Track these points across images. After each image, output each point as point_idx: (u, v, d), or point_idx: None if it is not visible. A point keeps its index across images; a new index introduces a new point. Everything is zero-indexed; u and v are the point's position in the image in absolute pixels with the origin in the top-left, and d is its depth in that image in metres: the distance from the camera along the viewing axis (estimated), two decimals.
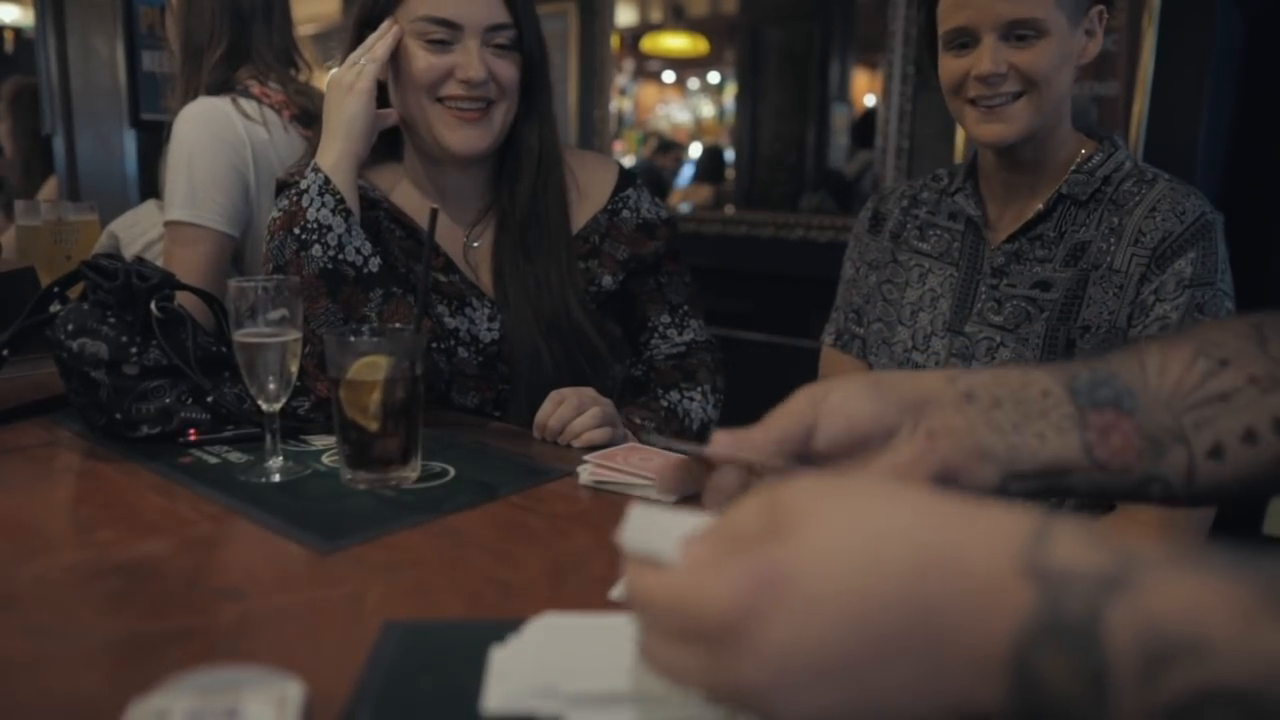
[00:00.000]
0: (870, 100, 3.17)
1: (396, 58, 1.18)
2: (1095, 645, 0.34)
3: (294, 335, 0.94)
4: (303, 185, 1.14)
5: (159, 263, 1.42)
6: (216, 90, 1.57)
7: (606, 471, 0.93)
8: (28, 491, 0.92)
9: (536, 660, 0.54)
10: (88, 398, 1.04)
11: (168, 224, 1.50)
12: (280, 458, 0.95)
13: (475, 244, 1.27)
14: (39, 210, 1.88)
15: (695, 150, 4.44)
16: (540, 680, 0.51)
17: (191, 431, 1.05)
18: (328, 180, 1.13)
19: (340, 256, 1.12)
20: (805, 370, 1.50)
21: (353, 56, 1.18)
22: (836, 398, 0.55)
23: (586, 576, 0.73)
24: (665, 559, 0.42)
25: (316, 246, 1.12)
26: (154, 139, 2.50)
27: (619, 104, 3.74)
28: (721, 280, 3.00)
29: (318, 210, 1.12)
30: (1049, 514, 0.38)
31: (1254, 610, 0.32)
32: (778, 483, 0.43)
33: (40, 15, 3.23)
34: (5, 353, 1.10)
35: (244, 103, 1.55)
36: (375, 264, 1.15)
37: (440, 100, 1.17)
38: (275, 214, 1.18)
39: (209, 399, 1.05)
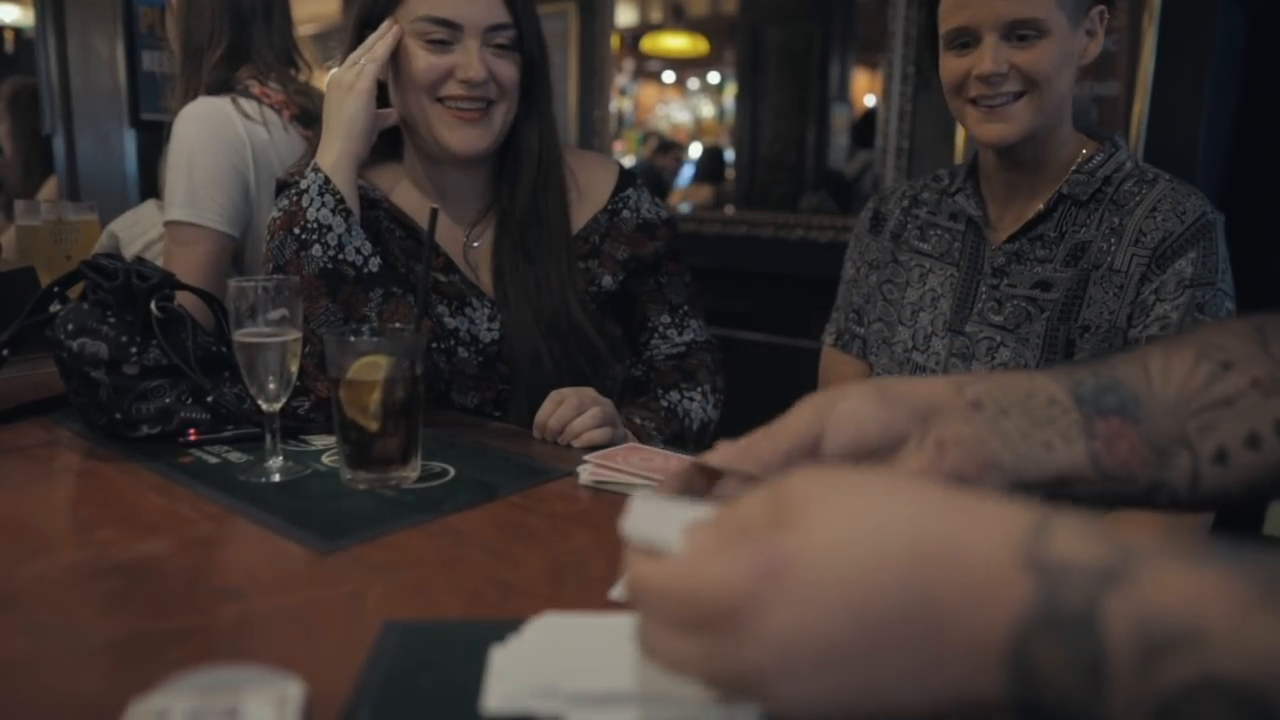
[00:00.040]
0: (870, 100, 3.17)
1: (396, 58, 1.18)
2: (1093, 637, 0.34)
3: (294, 335, 0.94)
4: (303, 185, 1.14)
5: (159, 263, 1.42)
6: (216, 90, 1.57)
7: (606, 471, 0.93)
8: (28, 491, 0.92)
9: (536, 660, 0.54)
10: (88, 398, 1.04)
11: (168, 224, 1.50)
12: (280, 458, 0.95)
13: (475, 244, 1.27)
14: (39, 210, 1.88)
15: (695, 150, 4.44)
16: (540, 680, 0.51)
17: (191, 431, 1.05)
18: (328, 180, 1.13)
19: (340, 256, 1.12)
20: (805, 370, 1.51)
21: (353, 56, 1.18)
22: (844, 407, 0.55)
23: (586, 576, 0.73)
24: (668, 548, 0.42)
25: (316, 246, 1.12)
26: (154, 139, 2.50)
27: (619, 104, 3.74)
28: (721, 280, 3.00)
29: (318, 210, 1.12)
30: (1049, 508, 0.38)
31: (1250, 603, 0.32)
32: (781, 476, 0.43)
33: (40, 15, 3.24)
34: (5, 353, 1.10)
35: (244, 103, 1.55)
36: (375, 264, 1.15)
37: (440, 100, 1.17)
38: (275, 214, 1.18)
39: (209, 399, 1.05)
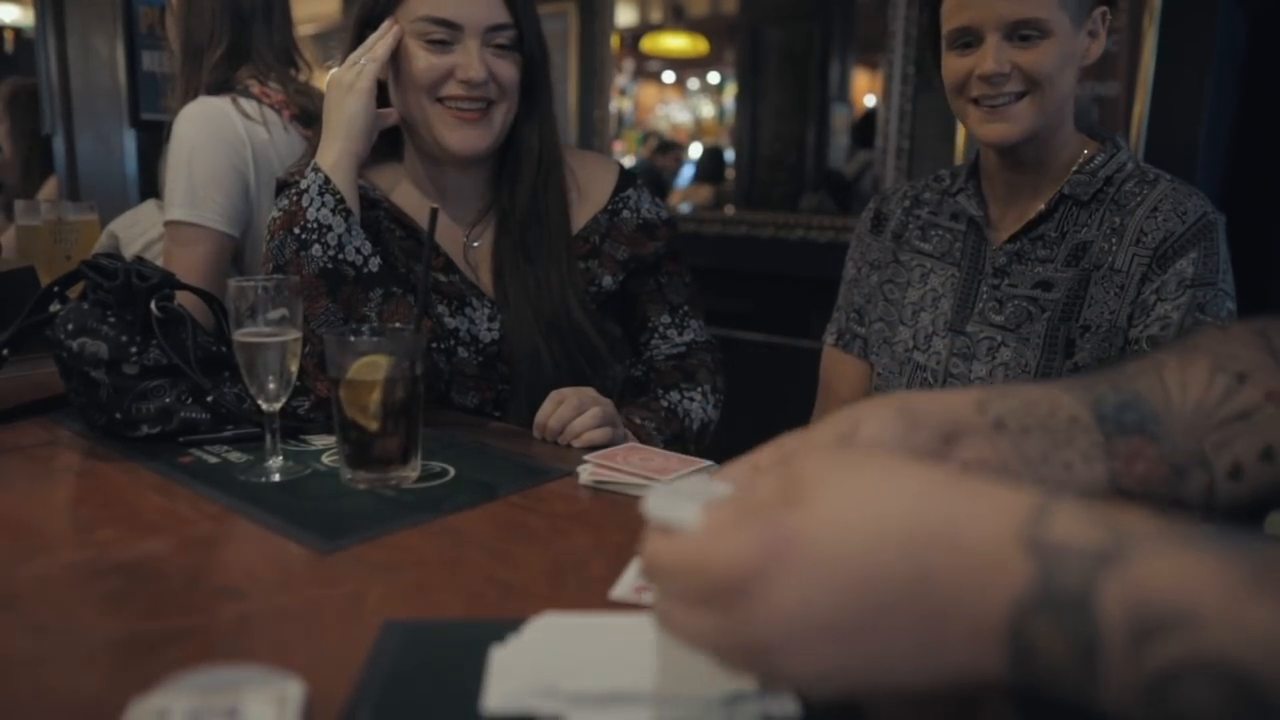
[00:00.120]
0: (870, 100, 3.17)
1: (397, 57, 1.18)
2: (1087, 617, 0.35)
3: (294, 335, 0.94)
4: (303, 185, 1.14)
5: (159, 263, 1.42)
6: (216, 90, 1.57)
7: (606, 471, 0.93)
8: (28, 491, 0.92)
9: (536, 660, 0.54)
10: (88, 397, 1.03)
11: (167, 224, 1.50)
12: (280, 457, 0.95)
13: (475, 244, 1.27)
14: (39, 210, 1.88)
15: (695, 150, 4.44)
16: (540, 680, 0.51)
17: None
18: (328, 180, 1.13)
19: (340, 256, 1.12)
20: (805, 370, 1.51)
21: (353, 56, 1.18)
22: (868, 431, 0.55)
23: (586, 576, 0.73)
24: (684, 526, 0.43)
25: (316, 246, 1.12)
26: (154, 139, 2.50)
27: (619, 104, 3.73)
28: (721, 280, 3.00)
29: (318, 210, 1.12)
30: (1051, 493, 0.39)
31: (1242, 586, 0.33)
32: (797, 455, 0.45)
33: (40, 15, 3.23)
34: (5, 353, 1.10)
35: (244, 102, 1.55)
36: (375, 264, 1.15)
37: (440, 100, 1.17)
38: (275, 214, 1.18)
39: (209, 399, 1.05)
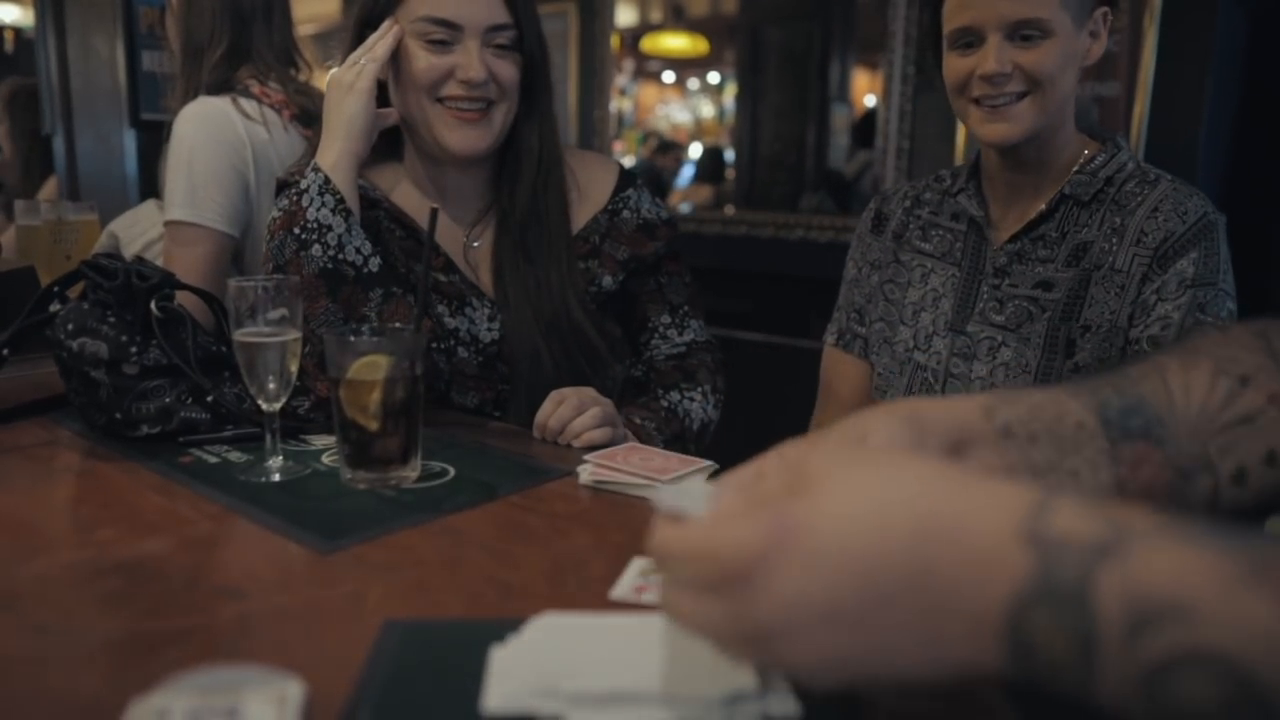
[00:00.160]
0: (870, 100, 3.17)
1: (397, 58, 1.18)
2: (1085, 609, 0.35)
3: (294, 335, 0.94)
4: (303, 185, 1.14)
5: (159, 262, 1.42)
6: (216, 90, 1.57)
7: (606, 471, 0.93)
8: (28, 491, 0.92)
9: (536, 660, 0.54)
10: (88, 397, 1.03)
11: (167, 224, 1.50)
12: (280, 457, 0.95)
13: (475, 244, 1.27)
14: (39, 210, 1.88)
15: (695, 150, 4.44)
16: (540, 680, 0.51)
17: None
18: (328, 180, 1.13)
19: (340, 256, 1.12)
20: (805, 370, 1.51)
21: (353, 56, 1.18)
22: (877, 440, 0.54)
23: (586, 576, 0.73)
24: (693, 514, 0.44)
25: (316, 246, 1.12)
26: (154, 139, 2.50)
27: (619, 104, 3.73)
28: (721, 280, 3.00)
29: (318, 210, 1.12)
30: (1051, 487, 0.40)
31: (1239, 579, 0.33)
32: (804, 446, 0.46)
33: (40, 15, 3.23)
34: (5, 353, 1.10)
35: (244, 102, 1.55)
36: (375, 264, 1.15)
37: (440, 100, 1.17)
38: (275, 214, 1.18)
39: (209, 399, 1.05)
